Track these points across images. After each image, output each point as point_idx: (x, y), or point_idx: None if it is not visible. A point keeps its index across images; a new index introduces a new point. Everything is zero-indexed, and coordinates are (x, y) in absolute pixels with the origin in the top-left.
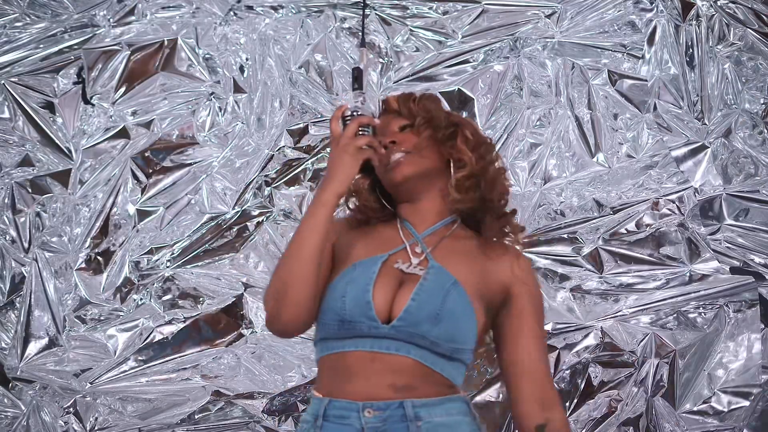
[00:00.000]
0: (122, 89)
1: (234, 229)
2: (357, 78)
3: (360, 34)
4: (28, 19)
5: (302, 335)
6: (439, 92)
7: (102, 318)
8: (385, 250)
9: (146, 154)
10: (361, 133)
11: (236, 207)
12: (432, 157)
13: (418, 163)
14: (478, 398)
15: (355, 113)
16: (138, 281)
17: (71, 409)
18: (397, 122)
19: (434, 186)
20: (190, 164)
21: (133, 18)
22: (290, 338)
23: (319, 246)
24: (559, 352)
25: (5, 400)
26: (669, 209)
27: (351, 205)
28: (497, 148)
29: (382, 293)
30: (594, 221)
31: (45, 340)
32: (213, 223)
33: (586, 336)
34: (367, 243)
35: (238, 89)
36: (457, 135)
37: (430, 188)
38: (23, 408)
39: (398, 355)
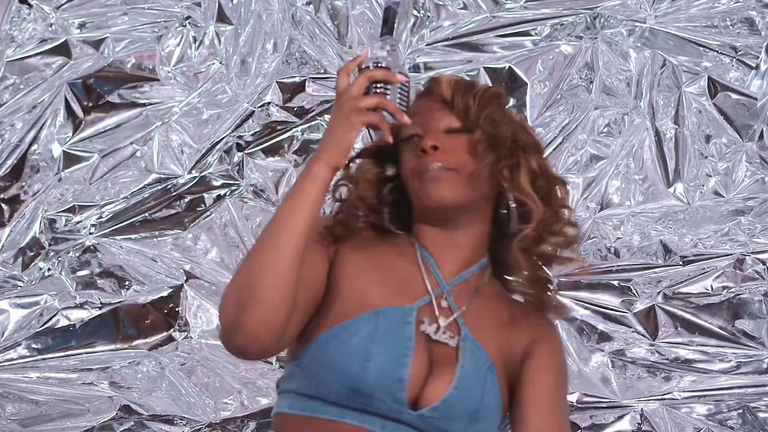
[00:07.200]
0: None
1: (186, 199)
2: (387, 21)
3: None
4: None
5: None
6: (484, 67)
7: None
8: (407, 296)
9: (89, 82)
10: (374, 91)
11: (193, 171)
12: (482, 185)
13: (464, 189)
14: None
15: (376, 66)
16: (49, 245)
17: None
18: (445, 118)
19: (476, 217)
20: (144, 105)
21: None
22: (253, 359)
23: (304, 231)
24: None
25: None
26: (756, 271)
27: (341, 204)
28: (548, 153)
29: (418, 370)
30: (656, 270)
31: None
32: (160, 187)
33: (620, 418)
34: (379, 276)
35: (222, 18)
36: (520, 164)
37: (469, 219)
38: None
39: None
